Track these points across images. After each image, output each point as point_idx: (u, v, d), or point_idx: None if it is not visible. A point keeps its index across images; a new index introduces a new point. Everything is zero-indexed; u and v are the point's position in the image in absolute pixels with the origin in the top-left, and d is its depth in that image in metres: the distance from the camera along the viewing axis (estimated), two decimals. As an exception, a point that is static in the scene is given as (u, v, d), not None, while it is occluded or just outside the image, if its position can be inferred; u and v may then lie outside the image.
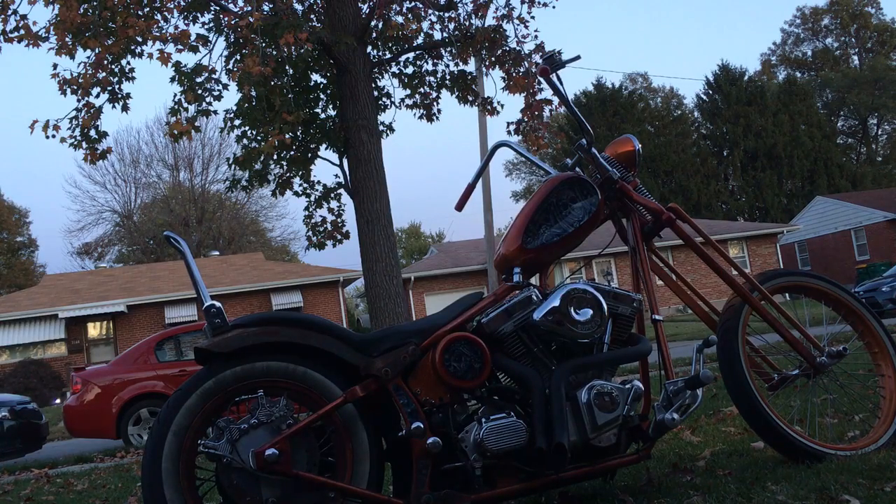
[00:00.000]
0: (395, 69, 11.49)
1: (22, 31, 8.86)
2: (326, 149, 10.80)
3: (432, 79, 11.64)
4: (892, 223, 30.13)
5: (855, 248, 31.74)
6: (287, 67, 9.56)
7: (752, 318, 2.73)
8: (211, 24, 9.86)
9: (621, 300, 2.42)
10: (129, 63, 9.49)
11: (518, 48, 10.69)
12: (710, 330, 2.80)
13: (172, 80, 9.23)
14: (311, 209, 11.34)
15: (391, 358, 2.26)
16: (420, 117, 11.71)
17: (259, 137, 10.02)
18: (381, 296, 9.68)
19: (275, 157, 10.31)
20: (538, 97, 10.58)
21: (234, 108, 10.04)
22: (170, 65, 8.97)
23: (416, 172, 77.59)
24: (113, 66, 9.27)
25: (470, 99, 11.75)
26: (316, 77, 10.84)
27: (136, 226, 42.44)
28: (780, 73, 51.34)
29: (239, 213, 43.30)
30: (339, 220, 11.41)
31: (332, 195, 11.31)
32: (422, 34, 11.08)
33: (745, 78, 44.56)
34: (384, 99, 11.55)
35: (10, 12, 8.91)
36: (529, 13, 10.95)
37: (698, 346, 2.43)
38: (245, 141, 10.31)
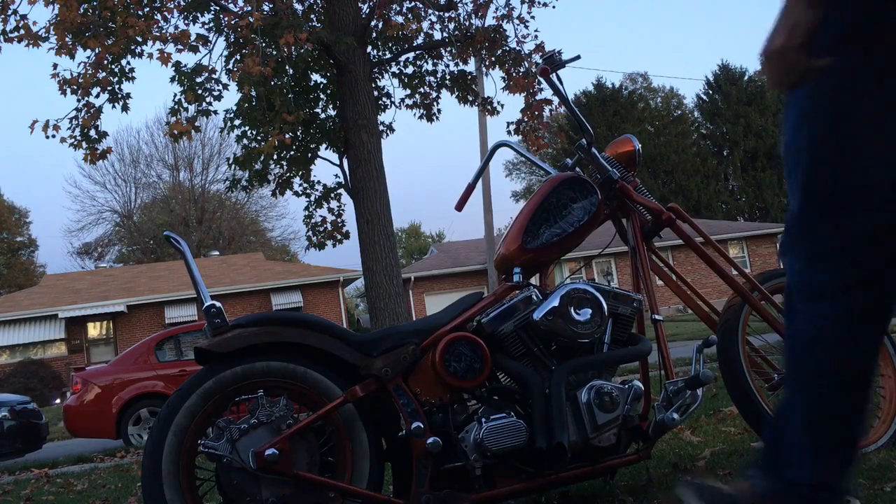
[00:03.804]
0: (395, 69, 11.51)
1: (22, 31, 8.87)
2: (326, 149, 10.82)
3: (432, 79, 11.65)
4: (892, 223, 30.14)
5: (855, 248, 31.75)
6: (287, 67, 9.57)
7: (752, 318, 2.73)
8: (211, 24, 9.87)
9: (621, 300, 2.42)
10: (129, 63, 9.50)
11: (518, 48, 10.71)
12: (710, 330, 2.80)
13: (172, 80, 9.23)
14: (311, 209, 11.35)
15: (391, 358, 2.26)
16: (420, 117, 11.73)
17: (259, 137, 10.03)
18: (381, 296, 9.69)
19: (275, 157, 10.32)
20: (538, 97, 10.59)
21: (234, 108, 10.05)
22: (170, 65, 8.98)
23: (417, 172, 77.62)
24: (113, 66, 9.28)
25: (470, 99, 11.77)
26: (316, 77, 10.86)
27: (136, 226, 42.45)
28: (780, 73, 51.23)
29: (239, 213, 43.30)
30: (339, 220, 11.43)
31: (332, 195, 11.32)
32: (422, 34, 11.10)
33: (745, 78, 44.55)
34: (384, 99, 11.56)
35: (10, 12, 8.91)
36: (529, 13, 10.99)
37: (698, 346, 2.43)
38: (245, 141, 10.31)
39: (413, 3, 10.95)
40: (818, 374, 1.46)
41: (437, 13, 11.03)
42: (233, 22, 8.93)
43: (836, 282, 1.44)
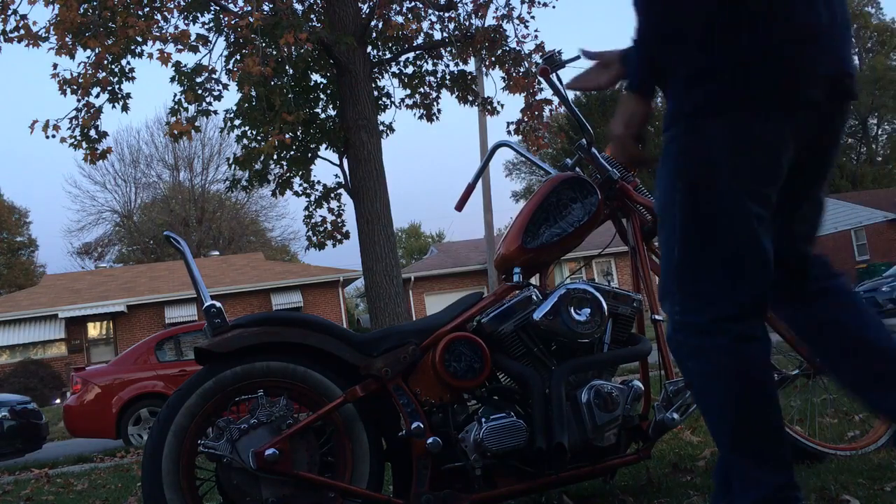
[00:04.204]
0: (395, 69, 11.51)
1: (22, 31, 8.87)
2: (326, 149, 10.82)
3: (432, 79, 11.66)
4: (893, 223, 30.10)
5: (855, 248, 31.70)
6: (287, 67, 9.57)
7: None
8: (211, 24, 9.87)
9: (621, 300, 2.42)
10: (129, 63, 9.50)
11: (518, 48, 10.72)
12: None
13: (172, 80, 9.24)
14: (311, 209, 11.35)
15: (391, 358, 2.26)
16: (420, 117, 11.73)
17: (259, 137, 10.03)
18: (381, 296, 9.69)
19: (275, 157, 10.32)
20: (538, 97, 10.60)
21: (234, 108, 10.05)
22: (170, 65, 8.99)
23: (417, 172, 77.59)
24: (113, 66, 9.28)
25: (470, 99, 11.77)
26: (316, 77, 10.86)
27: (136, 226, 42.43)
28: (780, 73, 51.15)
29: (239, 213, 43.27)
30: (339, 220, 11.43)
31: (332, 195, 11.32)
32: (422, 34, 11.10)
33: (745, 78, 44.42)
34: (384, 99, 11.56)
35: (10, 12, 8.91)
36: (529, 13, 10.99)
37: (698, 346, 2.43)
38: (245, 141, 10.32)
39: (413, 3, 10.95)
40: (728, 402, 1.59)
41: (437, 13, 11.04)
42: (233, 22, 8.94)
43: (718, 317, 1.58)
